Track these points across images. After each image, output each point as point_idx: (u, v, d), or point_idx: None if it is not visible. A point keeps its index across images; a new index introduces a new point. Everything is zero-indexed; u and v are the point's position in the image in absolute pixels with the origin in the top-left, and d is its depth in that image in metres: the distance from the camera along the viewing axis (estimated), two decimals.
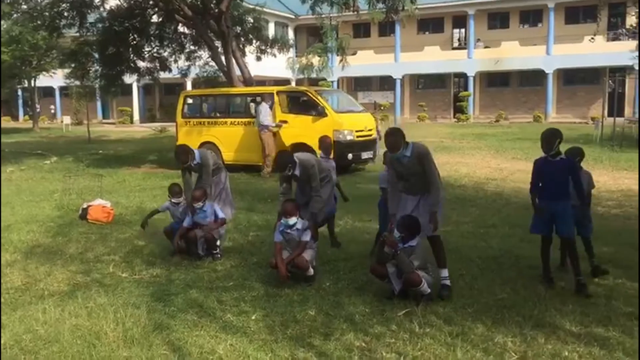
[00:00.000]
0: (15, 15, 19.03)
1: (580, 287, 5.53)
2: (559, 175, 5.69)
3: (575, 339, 4.52)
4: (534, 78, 37.91)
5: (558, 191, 5.68)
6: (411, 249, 5.35)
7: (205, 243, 6.88)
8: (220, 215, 7.11)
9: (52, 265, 6.67)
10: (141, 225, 7.59)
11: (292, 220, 6.02)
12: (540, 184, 5.90)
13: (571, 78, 37.51)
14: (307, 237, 6.06)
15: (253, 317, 5.02)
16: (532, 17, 38.46)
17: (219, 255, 6.88)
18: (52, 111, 43.17)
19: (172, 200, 7.39)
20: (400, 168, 5.67)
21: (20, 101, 49.49)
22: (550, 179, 5.77)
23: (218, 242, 6.95)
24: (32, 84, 38.40)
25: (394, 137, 5.62)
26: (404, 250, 5.34)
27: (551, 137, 5.79)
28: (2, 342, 4.57)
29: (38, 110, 40.87)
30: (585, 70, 35.96)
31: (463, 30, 40.28)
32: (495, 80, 39.79)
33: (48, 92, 47.54)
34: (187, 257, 6.93)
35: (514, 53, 36.14)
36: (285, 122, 14.44)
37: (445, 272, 5.62)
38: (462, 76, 39.30)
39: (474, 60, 37.71)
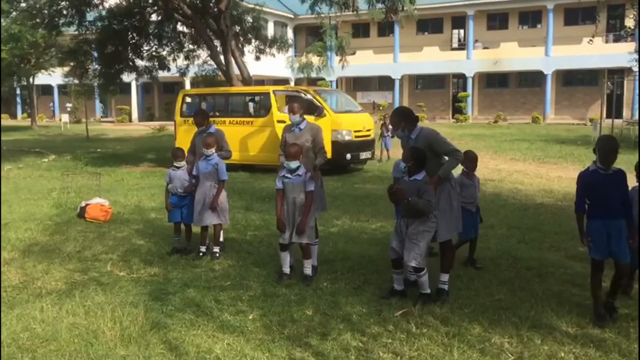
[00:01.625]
0: (14, 13, 19.00)
1: (610, 310, 5.01)
2: (614, 189, 4.95)
3: (571, 340, 4.53)
4: (532, 79, 38.01)
5: (614, 208, 4.93)
6: (416, 183, 5.20)
7: (208, 239, 6.92)
8: (223, 176, 6.97)
9: (50, 264, 6.67)
10: (167, 208, 7.33)
11: (295, 163, 5.86)
12: (589, 202, 5.07)
13: (570, 79, 37.60)
14: (311, 186, 5.93)
15: (250, 317, 5.02)
16: (532, 18, 38.53)
17: (217, 255, 6.88)
18: (52, 107, 43.12)
19: (175, 164, 7.23)
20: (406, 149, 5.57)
21: (18, 99, 49.42)
22: (604, 194, 4.94)
23: (217, 251, 6.94)
24: (31, 82, 38.36)
25: (393, 115, 5.68)
26: (411, 184, 5.20)
27: (616, 148, 4.97)
28: (0, 339, 4.57)
29: (52, 107, 40.86)
30: (583, 72, 36.06)
31: (462, 30, 40.36)
32: (494, 81, 39.86)
33: (47, 90, 47.53)
34: (185, 256, 6.93)
35: (513, 54, 36.21)
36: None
37: (445, 277, 5.54)
38: (461, 77, 39.37)
39: (473, 60, 37.78)
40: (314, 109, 14.32)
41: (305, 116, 6.83)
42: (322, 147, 6.61)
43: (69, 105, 40.33)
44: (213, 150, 6.97)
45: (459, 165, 5.79)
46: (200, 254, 6.92)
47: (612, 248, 4.90)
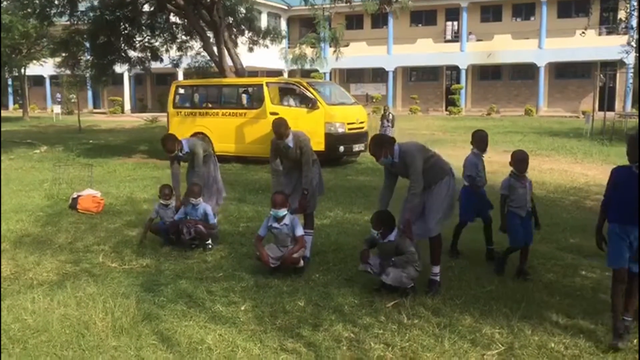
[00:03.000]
0: (5, 3, 18.83)
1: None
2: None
3: (561, 331, 4.57)
4: (525, 71, 38.06)
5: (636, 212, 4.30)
6: (391, 244, 5.33)
7: (196, 234, 6.88)
8: (211, 220, 6.98)
9: (42, 255, 6.65)
10: (140, 240, 7.13)
11: (282, 211, 5.88)
12: (613, 202, 4.48)
13: (563, 72, 37.68)
14: (300, 231, 5.97)
15: (242, 308, 5.03)
16: (525, 10, 38.54)
17: (210, 246, 6.88)
18: (59, 100, 42.66)
19: (161, 202, 7.21)
20: (392, 170, 5.62)
21: (10, 90, 49.09)
22: (631, 196, 4.29)
23: (209, 243, 6.94)
24: (23, 73, 38.06)
25: (372, 146, 5.53)
26: (388, 245, 5.34)
27: None
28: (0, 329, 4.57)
29: (59, 98, 40.53)
30: (576, 64, 36.16)
31: (456, 22, 40.32)
32: (487, 74, 39.89)
33: (38, 81, 47.21)
34: (177, 248, 6.92)
35: (506, 46, 36.23)
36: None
37: (436, 269, 5.57)
38: (455, 69, 39.39)
39: (467, 53, 37.78)
40: (307, 101, 14.32)
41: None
42: (307, 159, 6.30)
43: (58, 96, 40.15)
44: (200, 199, 6.96)
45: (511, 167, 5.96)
46: (193, 245, 6.91)
47: (632, 257, 4.39)
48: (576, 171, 13.22)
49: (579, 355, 4.20)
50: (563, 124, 27.77)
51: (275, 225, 5.96)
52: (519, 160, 5.95)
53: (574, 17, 35.89)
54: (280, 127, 6.33)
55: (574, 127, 24.87)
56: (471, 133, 6.79)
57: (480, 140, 6.54)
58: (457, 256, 6.49)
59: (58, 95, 41.95)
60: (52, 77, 44.33)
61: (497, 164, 14.41)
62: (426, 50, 38.24)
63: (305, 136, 6.51)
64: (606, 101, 24.33)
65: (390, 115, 19.06)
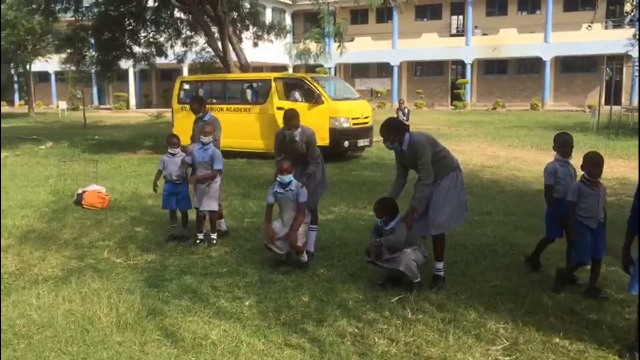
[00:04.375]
0: (9, 0, 18.90)
1: None
2: None
3: (566, 326, 4.54)
4: (531, 65, 37.90)
5: None
6: (392, 230, 5.35)
7: (210, 224, 6.94)
8: (217, 166, 6.93)
9: (47, 251, 6.67)
10: (153, 189, 7.41)
11: (288, 177, 5.88)
12: None
13: (569, 66, 37.50)
14: (303, 197, 5.93)
15: (247, 303, 5.03)
16: (531, 4, 38.35)
17: (214, 241, 6.88)
18: (79, 96, 42.56)
19: (169, 151, 7.16)
20: (402, 160, 5.57)
21: (15, 86, 49.20)
22: None
23: (223, 224, 7.04)
24: (28, 69, 38.17)
25: (382, 128, 5.56)
26: (388, 233, 5.35)
27: None
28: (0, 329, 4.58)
29: (80, 96, 40.67)
30: (582, 58, 35.97)
31: (461, 17, 40.17)
32: (492, 68, 39.74)
33: (44, 77, 47.31)
34: (182, 243, 6.93)
35: (511, 40, 36.08)
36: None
37: (440, 265, 5.54)
38: (460, 63, 39.25)
39: (472, 47, 37.64)
40: (312, 96, 14.30)
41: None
42: (314, 154, 6.40)
43: (79, 92, 40.18)
44: (210, 138, 6.93)
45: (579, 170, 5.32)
46: (198, 241, 6.92)
47: None
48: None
49: (584, 351, 4.18)
50: (569, 118, 27.64)
51: (280, 190, 5.95)
52: (593, 164, 5.11)
53: (580, 10, 35.67)
54: (293, 117, 6.37)
55: (580, 122, 24.74)
56: (553, 137, 5.89)
57: (562, 145, 5.66)
58: (538, 269, 5.85)
59: (78, 92, 41.97)
60: (57, 73, 44.40)
61: (502, 158, 14.39)
62: (431, 45, 38.11)
63: (313, 132, 6.52)
64: (612, 95, 24.21)
65: (406, 109, 19.01)
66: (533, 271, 5.83)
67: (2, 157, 15.60)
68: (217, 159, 6.94)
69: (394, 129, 5.51)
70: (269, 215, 6.06)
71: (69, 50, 21.77)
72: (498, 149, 16.73)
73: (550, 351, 4.18)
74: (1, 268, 6.07)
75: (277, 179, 5.97)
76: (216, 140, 7.27)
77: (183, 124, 15.77)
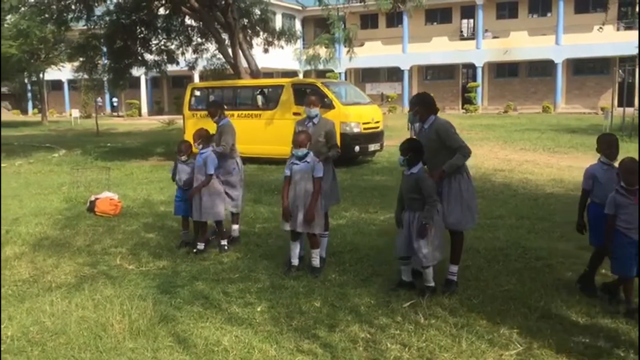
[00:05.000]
0: (23, 9, 19.09)
1: None
2: None
3: (581, 331, 4.50)
4: (543, 68, 37.69)
5: None
6: (412, 177, 5.20)
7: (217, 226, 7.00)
8: (208, 170, 6.80)
9: (60, 258, 6.71)
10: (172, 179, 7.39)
11: (302, 150, 5.87)
12: None
13: (581, 68, 37.25)
14: (318, 172, 5.88)
15: (258, 309, 5.03)
16: (542, 6, 38.16)
17: (225, 247, 6.88)
18: (100, 104, 43.06)
19: (179, 158, 7.15)
20: (423, 140, 5.45)
21: (29, 95, 49.73)
22: None
23: (236, 230, 7.09)
24: (41, 78, 38.56)
25: (413, 97, 5.64)
26: (408, 179, 5.24)
27: None
28: (9, 334, 4.60)
29: (101, 103, 41.21)
30: (594, 60, 35.72)
31: (471, 20, 40.05)
32: (504, 71, 39.57)
33: (57, 85, 47.77)
34: (193, 250, 6.94)
35: (522, 43, 35.91)
36: None
37: (454, 268, 5.49)
38: (471, 67, 39.12)
39: (483, 50, 37.51)
40: (323, 101, 14.31)
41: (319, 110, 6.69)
42: (335, 144, 6.44)
43: (99, 100, 40.75)
44: (202, 145, 6.91)
45: (615, 178, 4.95)
46: (195, 250, 6.80)
47: None
48: None
49: (598, 355, 4.13)
50: (582, 121, 27.44)
51: (297, 162, 5.94)
52: (629, 172, 4.72)
53: (591, 12, 35.43)
54: (311, 96, 6.55)
55: (592, 124, 24.55)
56: (597, 138, 5.49)
57: (608, 145, 5.21)
58: (591, 292, 5.23)
59: (99, 99, 42.43)
60: (70, 82, 44.83)
61: (515, 162, 14.31)
62: (442, 49, 38.03)
63: (333, 123, 6.62)
64: (625, 97, 23.98)
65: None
66: (589, 296, 5.17)
67: (16, 164, 15.77)
68: (209, 163, 6.83)
69: (423, 102, 5.52)
70: (285, 190, 5.98)
71: (81, 59, 21.95)
72: (510, 152, 16.64)
73: (565, 356, 4.13)
74: (11, 275, 6.12)
75: (292, 152, 5.96)
76: (226, 145, 7.21)
77: (194, 130, 15.86)
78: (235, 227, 7.40)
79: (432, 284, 5.31)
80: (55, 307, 5.10)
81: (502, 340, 4.36)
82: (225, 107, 16.06)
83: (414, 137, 5.83)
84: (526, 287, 5.45)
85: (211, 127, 7.51)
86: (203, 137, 6.95)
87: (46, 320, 4.85)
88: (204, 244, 6.90)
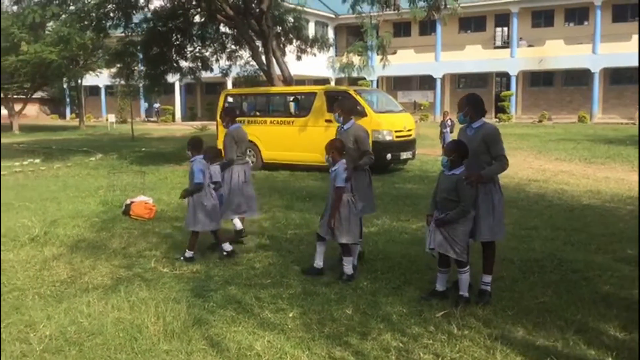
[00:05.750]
0: (63, 16, 19.59)
1: None
2: None
3: (619, 345, 4.39)
4: (579, 77, 37.07)
5: None
6: (453, 178, 5.17)
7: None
8: (195, 179, 6.84)
9: (96, 260, 6.84)
10: None
11: (327, 158, 6.05)
12: None
13: (618, 77, 36.52)
14: (339, 182, 5.90)
15: (290, 315, 5.04)
16: (578, 15, 37.56)
17: (224, 253, 6.90)
18: (157, 109, 44.12)
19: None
20: (464, 139, 5.43)
21: (67, 100, 50.93)
22: None
23: (227, 245, 6.92)
24: (79, 83, 39.44)
25: (463, 97, 5.56)
26: (449, 178, 5.19)
27: None
28: (48, 333, 4.71)
29: (157, 109, 42.43)
30: (633, 70, 34.93)
31: (506, 28, 39.64)
32: (538, 80, 39.04)
33: (94, 91, 48.81)
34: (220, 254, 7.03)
35: (558, 52, 35.39)
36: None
37: (488, 278, 5.43)
38: (505, 75, 38.69)
39: (517, 59, 37.09)
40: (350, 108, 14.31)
41: (352, 117, 6.71)
42: (366, 150, 6.44)
43: (156, 105, 41.77)
44: (190, 153, 7.06)
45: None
46: (182, 258, 6.80)
47: None
48: (633, 180, 12.75)
49: None
50: (619, 131, 26.88)
51: (330, 170, 6.11)
52: None
53: (630, 21, 34.76)
54: (340, 103, 6.75)
55: (630, 134, 24.03)
56: None
57: None
58: None
59: (156, 105, 43.40)
60: (107, 87, 45.77)
61: (549, 172, 14.09)
62: (475, 57, 37.71)
63: (364, 129, 6.62)
64: None
65: (450, 120, 18.89)
66: None
67: (54, 168, 16.16)
68: (190, 174, 6.93)
69: (474, 103, 5.46)
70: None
71: (118, 65, 22.42)
72: (545, 162, 16.38)
73: None
74: (50, 276, 6.27)
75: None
76: (228, 159, 7.48)
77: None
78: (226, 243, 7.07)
79: (467, 295, 5.26)
80: (92, 308, 5.20)
81: (538, 353, 4.28)
82: (258, 113, 16.36)
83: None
84: (562, 300, 5.35)
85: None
86: (193, 145, 7.09)
87: (83, 320, 4.95)
88: (228, 244, 6.97)
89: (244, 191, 7.65)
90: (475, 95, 5.64)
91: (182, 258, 6.81)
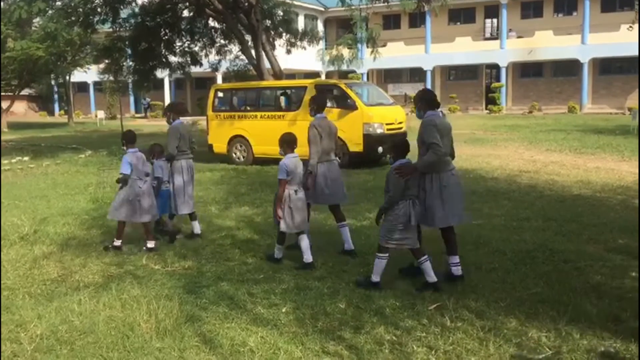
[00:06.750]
0: (50, 12, 19.40)
1: None
2: None
3: (611, 335, 4.41)
4: (568, 68, 37.20)
5: None
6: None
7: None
8: (122, 170, 7.05)
9: (87, 258, 6.79)
10: None
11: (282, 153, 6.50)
12: None
13: (607, 67, 36.70)
14: (280, 175, 6.25)
15: (283, 310, 5.03)
16: (567, 5, 37.68)
17: (147, 248, 7.03)
18: (145, 105, 43.85)
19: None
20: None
21: (55, 96, 50.56)
22: None
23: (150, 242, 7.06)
24: (67, 80, 39.13)
25: (419, 93, 5.90)
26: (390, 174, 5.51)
27: None
28: (39, 332, 4.67)
29: (145, 104, 42.12)
30: (622, 60, 35.14)
31: (495, 20, 39.70)
32: (528, 71, 39.15)
33: (82, 87, 48.48)
34: (219, 250, 6.99)
35: (548, 43, 35.49)
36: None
37: (454, 259, 5.68)
38: (495, 67, 38.78)
39: (507, 50, 37.17)
40: (346, 102, 14.30)
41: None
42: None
43: (144, 101, 41.55)
44: (125, 148, 7.20)
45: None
46: (110, 247, 7.07)
47: None
48: (623, 169, 12.82)
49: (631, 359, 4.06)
50: (608, 121, 27.03)
51: None
52: None
53: (618, 11, 34.89)
54: (319, 99, 7.20)
55: (620, 124, 24.16)
56: None
57: None
58: None
59: (144, 100, 43.08)
60: (95, 83, 45.48)
61: (540, 163, 14.14)
62: (465, 49, 37.76)
63: (311, 124, 6.85)
64: None
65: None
66: None
67: (43, 165, 16.03)
68: (122, 163, 7.09)
69: (425, 98, 5.79)
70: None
71: (107, 61, 22.29)
72: (535, 153, 16.43)
73: None
74: (40, 275, 6.22)
75: None
76: (168, 152, 7.55)
77: (218, 131, 15.99)
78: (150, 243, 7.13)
79: (434, 279, 5.40)
80: (84, 307, 5.16)
81: (530, 344, 4.30)
82: (249, 108, 16.28)
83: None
84: (554, 290, 5.36)
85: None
86: (126, 138, 7.24)
87: (75, 319, 4.91)
88: (153, 242, 7.09)
89: (190, 186, 7.74)
90: (426, 90, 6.04)
91: (110, 247, 7.01)
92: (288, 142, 6.36)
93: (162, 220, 7.75)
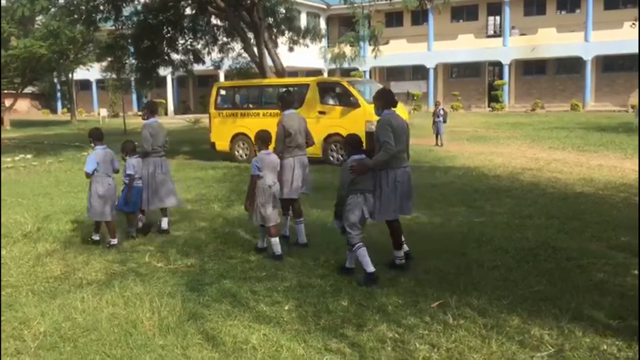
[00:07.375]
0: (53, 10, 19.43)
1: None
2: None
3: (614, 332, 4.41)
4: (571, 65, 37.10)
5: None
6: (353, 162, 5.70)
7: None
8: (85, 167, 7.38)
9: (90, 255, 6.81)
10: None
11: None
12: None
13: (610, 65, 36.59)
14: (252, 170, 6.47)
15: (286, 308, 5.03)
16: (570, 3, 37.57)
17: (110, 244, 7.16)
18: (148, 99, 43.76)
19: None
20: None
21: (58, 94, 50.58)
22: None
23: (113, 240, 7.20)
24: (70, 77, 39.15)
25: (379, 91, 6.16)
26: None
27: None
28: (42, 330, 4.69)
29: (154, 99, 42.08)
30: (625, 57, 35.02)
31: (498, 17, 39.61)
32: (531, 68, 39.05)
33: (85, 85, 48.50)
34: (221, 248, 7.00)
35: (551, 40, 35.39)
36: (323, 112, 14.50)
37: (398, 253, 6.01)
38: (497, 64, 38.70)
39: (510, 48, 37.09)
40: (348, 100, 14.30)
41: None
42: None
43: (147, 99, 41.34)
44: (93, 145, 7.46)
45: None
46: (107, 245, 7.16)
47: None
48: (626, 167, 12.80)
49: (632, 358, 4.05)
50: (611, 119, 26.97)
51: None
52: None
53: (621, 8, 34.78)
54: (288, 97, 7.51)
55: (623, 122, 24.11)
56: None
57: None
58: None
59: (146, 99, 42.92)
60: (98, 81, 45.49)
61: (543, 160, 14.12)
62: (468, 46, 37.68)
63: (280, 120, 7.14)
64: None
65: (442, 110, 18.90)
66: None
67: (46, 163, 16.06)
68: (87, 161, 7.30)
69: (382, 97, 6.01)
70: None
71: (109, 59, 22.29)
72: (538, 151, 16.41)
73: (598, 358, 4.07)
74: (43, 272, 6.24)
75: None
76: (141, 149, 7.74)
77: (220, 129, 16.00)
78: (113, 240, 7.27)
79: (371, 270, 5.57)
80: (87, 304, 5.18)
81: (533, 342, 4.30)
82: (251, 106, 16.28)
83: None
84: (557, 288, 5.36)
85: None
86: (93, 135, 7.48)
87: (78, 316, 4.93)
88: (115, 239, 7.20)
89: (157, 182, 7.84)
90: (384, 90, 6.25)
91: (107, 246, 7.10)
92: (263, 139, 6.61)
93: (133, 216, 7.75)
